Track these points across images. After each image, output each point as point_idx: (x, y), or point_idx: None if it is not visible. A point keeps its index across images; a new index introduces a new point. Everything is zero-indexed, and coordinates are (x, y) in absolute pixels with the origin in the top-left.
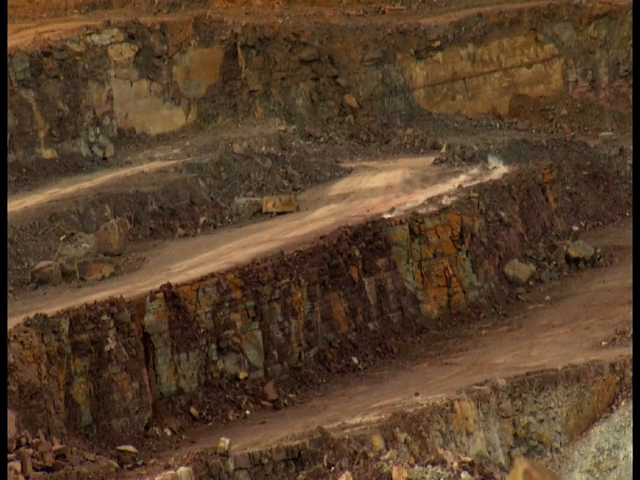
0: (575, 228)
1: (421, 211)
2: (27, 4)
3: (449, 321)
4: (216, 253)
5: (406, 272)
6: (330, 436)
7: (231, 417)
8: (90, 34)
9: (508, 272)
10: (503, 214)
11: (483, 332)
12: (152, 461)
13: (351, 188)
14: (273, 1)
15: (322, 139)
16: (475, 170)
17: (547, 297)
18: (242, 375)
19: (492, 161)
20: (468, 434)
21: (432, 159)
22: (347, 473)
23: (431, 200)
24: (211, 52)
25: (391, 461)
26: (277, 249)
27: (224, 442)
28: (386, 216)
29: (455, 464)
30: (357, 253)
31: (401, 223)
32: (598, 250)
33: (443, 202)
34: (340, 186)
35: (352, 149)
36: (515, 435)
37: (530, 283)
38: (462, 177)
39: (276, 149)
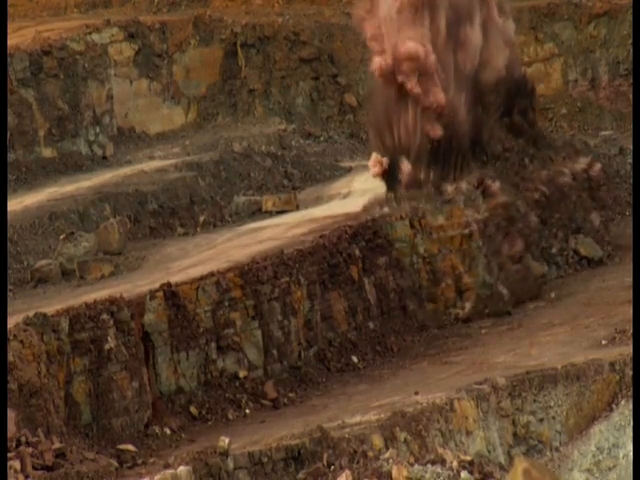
0: (594, 216)
1: (422, 205)
2: (27, 3)
3: (449, 320)
4: (216, 252)
5: (408, 269)
6: (330, 435)
7: (231, 416)
8: (90, 33)
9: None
10: (519, 203)
11: (483, 331)
12: (152, 460)
13: (351, 187)
14: (273, 0)
15: (322, 138)
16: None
17: (547, 295)
18: (242, 374)
19: None
20: (468, 433)
21: None
22: (347, 472)
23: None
24: (211, 51)
25: (391, 460)
26: (277, 248)
27: (224, 441)
28: (384, 210)
29: (455, 463)
30: (357, 252)
31: (401, 218)
32: (609, 248)
33: (445, 196)
34: (340, 185)
35: (352, 148)
36: (515, 434)
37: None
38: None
39: (276, 148)
